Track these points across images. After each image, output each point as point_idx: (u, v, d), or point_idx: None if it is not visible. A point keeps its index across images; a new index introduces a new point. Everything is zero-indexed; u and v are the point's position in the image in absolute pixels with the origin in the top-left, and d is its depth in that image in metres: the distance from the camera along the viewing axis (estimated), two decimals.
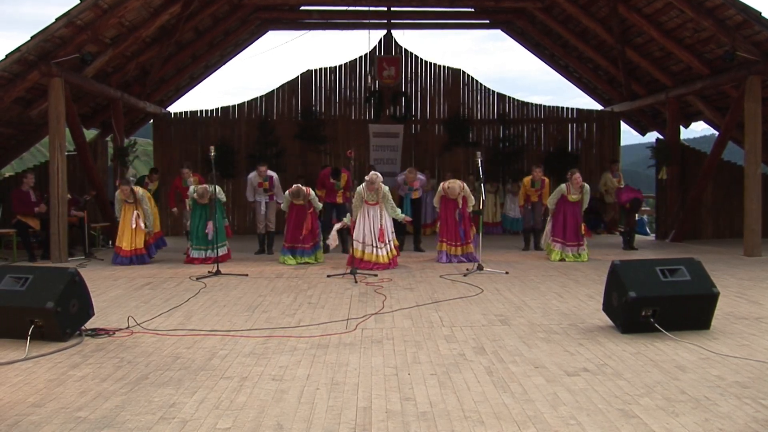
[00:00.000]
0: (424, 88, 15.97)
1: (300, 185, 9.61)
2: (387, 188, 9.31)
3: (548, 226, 10.25)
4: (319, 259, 9.85)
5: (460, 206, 9.72)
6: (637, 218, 15.19)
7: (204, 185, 10.03)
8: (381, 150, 15.41)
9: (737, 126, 11.68)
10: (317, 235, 9.81)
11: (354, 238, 9.13)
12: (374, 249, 9.07)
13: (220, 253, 9.57)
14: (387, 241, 9.18)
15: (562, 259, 9.89)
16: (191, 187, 10.16)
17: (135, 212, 9.84)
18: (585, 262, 9.62)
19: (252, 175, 11.26)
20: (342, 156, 15.20)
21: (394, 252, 9.31)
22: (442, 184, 10.09)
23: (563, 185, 10.08)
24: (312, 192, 9.73)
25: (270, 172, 11.17)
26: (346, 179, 10.98)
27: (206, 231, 9.63)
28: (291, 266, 9.39)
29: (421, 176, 11.62)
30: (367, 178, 9.17)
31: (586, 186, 10.11)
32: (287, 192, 9.71)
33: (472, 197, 9.88)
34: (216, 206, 9.68)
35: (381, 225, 9.11)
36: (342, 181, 10.97)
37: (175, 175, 12.54)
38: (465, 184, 9.97)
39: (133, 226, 9.78)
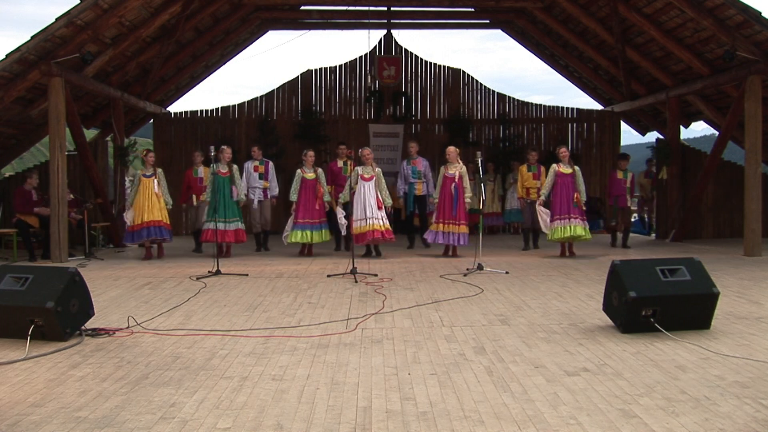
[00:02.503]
0: (424, 87, 15.96)
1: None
2: (380, 170, 10.03)
3: (546, 217, 10.16)
4: (325, 238, 10.40)
5: (456, 180, 9.92)
6: (636, 218, 15.28)
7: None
8: (381, 150, 15.39)
9: (738, 126, 11.68)
10: (324, 214, 10.46)
11: (354, 218, 9.67)
12: (374, 220, 9.68)
13: (232, 227, 10.08)
14: (385, 213, 9.85)
15: (564, 238, 9.95)
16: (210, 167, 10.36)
17: (155, 180, 10.22)
18: (585, 262, 9.61)
19: (248, 163, 11.48)
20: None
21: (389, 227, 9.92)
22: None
23: (554, 164, 10.22)
24: (320, 170, 10.57)
25: (266, 159, 11.51)
26: (352, 166, 10.88)
27: (232, 196, 10.10)
28: (292, 267, 9.39)
29: (424, 160, 11.45)
30: (360, 152, 9.96)
31: (577, 167, 10.30)
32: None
33: (469, 189, 10.12)
34: (235, 178, 10.16)
35: (377, 195, 9.82)
36: (349, 167, 10.83)
37: (176, 173, 12.61)
38: (464, 167, 10.19)
39: (156, 190, 10.17)
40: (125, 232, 10.45)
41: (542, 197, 10.21)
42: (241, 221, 10.33)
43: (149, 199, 10.15)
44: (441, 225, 10.03)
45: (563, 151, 10.28)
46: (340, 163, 11.22)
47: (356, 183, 9.74)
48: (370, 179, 9.81)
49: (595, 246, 11.79)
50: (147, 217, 10.10)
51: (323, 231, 10.37)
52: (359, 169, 9.86)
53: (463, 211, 10.00)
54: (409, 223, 11.83)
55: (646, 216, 15.33)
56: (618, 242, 11.83)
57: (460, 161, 10.22)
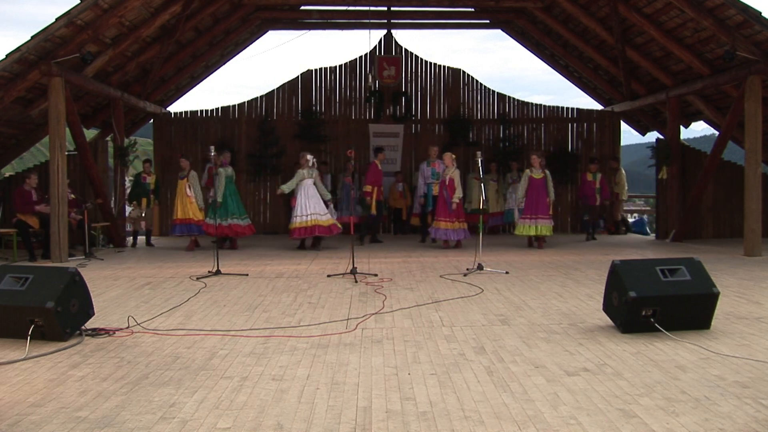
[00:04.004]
0: (424, 87, 15.96)
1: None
2: (316, 171, 11.28)
3: (517, 214, 11.76)
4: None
5: (447, 183, 11.17)
6: (637, 218, 15.35)
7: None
8: None
9: (738, 126, 11.68)
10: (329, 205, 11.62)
11: (297, 214, 10.90)
12: (317, 216, 10.85)
13: (231, 223, 11.27)
14: (324, 210, 10.99)
15: (533, 235, 11.42)
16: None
17: (187, 183, 11.60)
18: (585, 262, 9.61)
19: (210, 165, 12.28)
20: (342, 156, 15.22)
21: (332, 221, 11.08)
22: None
23: (527, 170, 11.65)
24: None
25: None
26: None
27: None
28: (292, 267, 9.40)
29: (442, 163, 11.93)
30: (309, 157, 11.18)
31: (547, 171, 11.59)
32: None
33: (460, 190, 11.30)
34: (222, 180, 11.19)
35: (318, 192, 11.06)
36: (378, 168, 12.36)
37: (176, 172, 12.66)
38: (456, 171, 11.29)
39: (188, 194, 11.51)
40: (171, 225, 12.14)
41: (518, 200, 11.63)
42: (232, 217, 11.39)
43: (182, 199, 11.63)
44: (442, 223, 11.24)
45: (534, 158, 11.59)
46: (380, 165, 12.32)
47: (300, 182, 10.99)
48: (309, 177, 11.03)
49: (595, 246, 11.98)
50: (180, 215, 11.58)
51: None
52: (303, 172, 11.01)
53: (460, 209, 11.35)
54: (423, 220, 12.74)
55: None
56: (590, 236, 13.33)
57: (454, 164, 11.29)
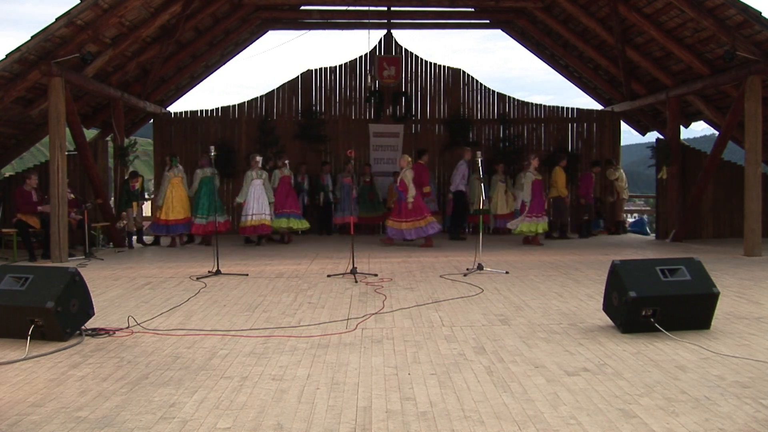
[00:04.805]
0: (424, 87, 15.94)
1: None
2: (266, 174, 12.11)
3: (522, 215, 11.95)
4: (303, 226, 12.57)
5: (398, 183, 11.52)
6: (637, 217, 15.40)
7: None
8: (381, 150, 15.42)
9: (738, 126, 11.67)
10: (299, 206, 12.69)
11: (247, 213, 11.69)
12: (263, 216, 11.70)
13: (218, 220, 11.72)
14: (268, 211, 11.87)
15: (531, 233, 11.76)
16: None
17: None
18: (585, 262, 9.61)
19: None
20: (342, 155, 15.22)
21: (269, 222, 11.91)
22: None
23: (528, 173, 11.90)
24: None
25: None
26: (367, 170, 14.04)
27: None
28: (292, 267, 9.40)
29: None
30: (258, 158, 11.93)
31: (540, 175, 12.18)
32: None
33: (413, 188, 11.28)
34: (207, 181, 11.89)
35: (265, 194, 11.87)
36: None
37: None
38: (408, 172, 11.37)
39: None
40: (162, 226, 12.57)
41: (526, 202, 11.82)
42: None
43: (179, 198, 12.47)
44: (396, 223, 11.54)
45: (536, 162, 12.08)
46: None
47: (250, 183, 11.73)
48: (258, 178, 11.83)
49: (596, 246, 11.97)
50: (181, 215, 12.36)
51: (293, 220, 12.37)
52: (252, 173, 11.77)
53: (421, 207, 11.51)
54: (457, 218, 13.12)
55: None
56: (584, 232, 13.89)
57: (409, 165, 11.48)
